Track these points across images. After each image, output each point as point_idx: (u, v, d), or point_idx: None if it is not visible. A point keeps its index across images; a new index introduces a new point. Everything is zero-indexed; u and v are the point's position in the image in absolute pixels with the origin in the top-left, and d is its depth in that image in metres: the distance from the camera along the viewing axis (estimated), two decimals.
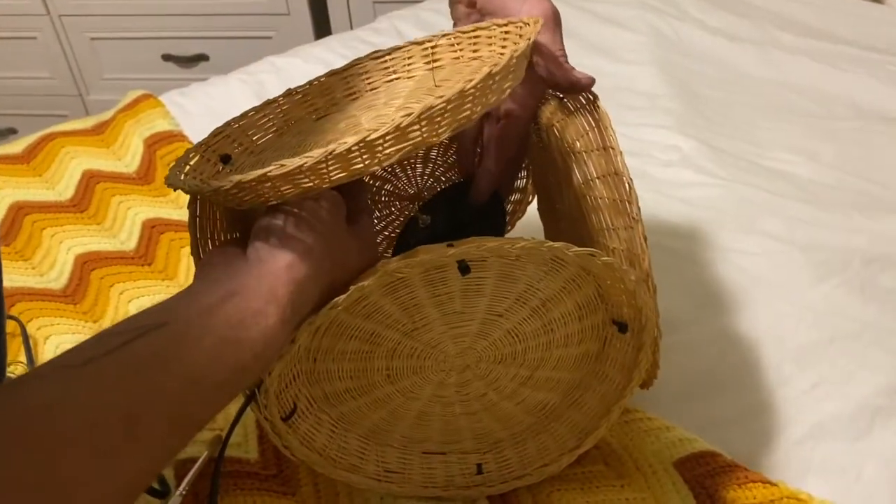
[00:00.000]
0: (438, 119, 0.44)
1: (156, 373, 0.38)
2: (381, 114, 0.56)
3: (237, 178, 0.42)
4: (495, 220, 0.66)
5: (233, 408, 0.49)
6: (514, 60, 0.47)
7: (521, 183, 0.73)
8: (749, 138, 1.02)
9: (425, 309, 0.50)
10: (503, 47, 0.56)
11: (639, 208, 0.53)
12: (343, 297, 0.46)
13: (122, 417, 0.35)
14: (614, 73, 1.17)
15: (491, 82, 0.46)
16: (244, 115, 0.59)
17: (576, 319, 0.53)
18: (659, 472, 0.59)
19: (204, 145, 0.56)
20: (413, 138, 0.43)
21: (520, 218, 0.75)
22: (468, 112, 0.45)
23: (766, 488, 0.57)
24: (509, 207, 0.74)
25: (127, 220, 0.91)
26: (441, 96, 0.43)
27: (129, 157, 1.02)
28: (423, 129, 0.43)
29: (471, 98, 0.45)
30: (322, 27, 1.99)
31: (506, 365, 0.55)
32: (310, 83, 0.62)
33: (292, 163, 0.42)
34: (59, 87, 2.12)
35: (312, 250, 0.46)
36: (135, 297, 0.80)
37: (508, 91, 0.49)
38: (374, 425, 0.57)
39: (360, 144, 0.42)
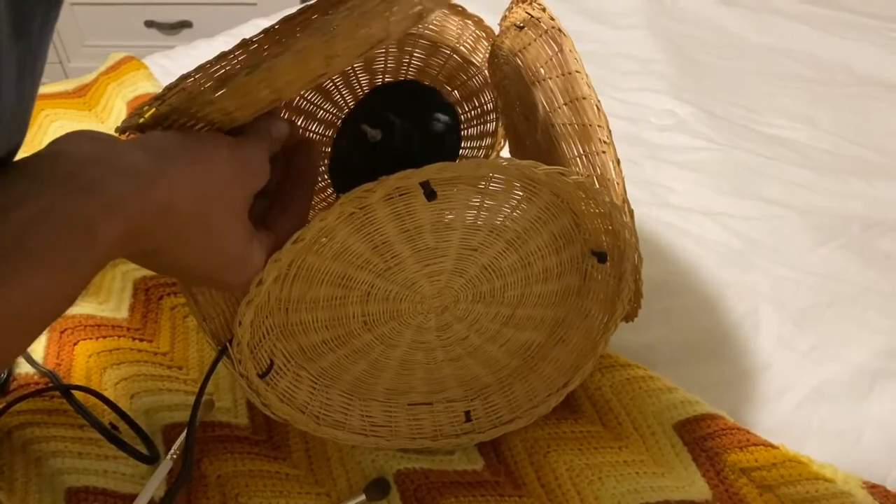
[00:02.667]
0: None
1: None
2: None
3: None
4: (451, 136, 0.61)
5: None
6: None
7: (491, 127, 0.71)
8: (745, 104, 1.00)
9: (395, 246, 0.47)
10: None
11: (609, 132, 0.50)
12: (305, 229, 0.43)
13: None
14: (608, 39, 1.15)
15: None
16: (200, 68, 0.56)
17: (553, 252, 0.51)
18: (658, 434, 0.58)
19: (160, 99, 0.53)
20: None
21: None
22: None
23: (767, 451, 0.56)
24: (481, 153, 0.71)
25: None
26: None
27: (111, 120, 0.99)
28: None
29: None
30: None
31: (485, 304, 0.53)
32: (264, 31, 0.59)
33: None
34: None
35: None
36: None
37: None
38: (356, 379, 0.56)
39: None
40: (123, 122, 0.47)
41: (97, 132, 0.38)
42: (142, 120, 0.49)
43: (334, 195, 0.68)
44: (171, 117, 0.39)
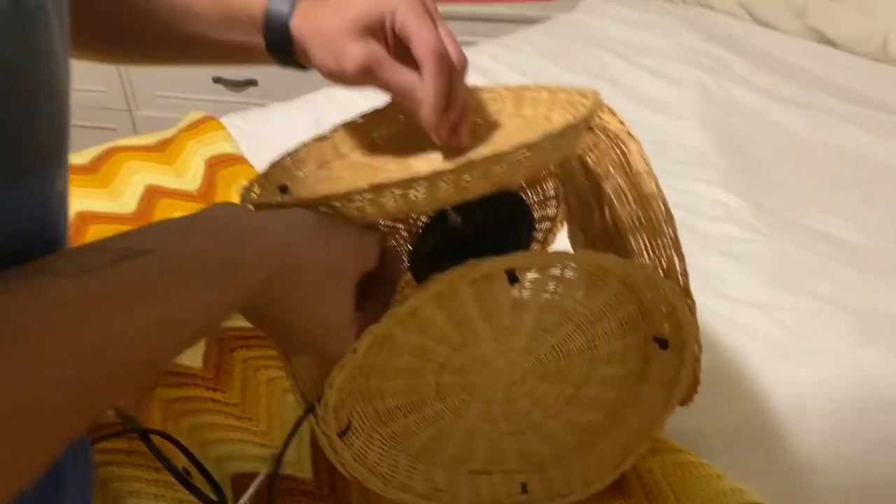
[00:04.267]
0: (521, 162, 0.46)
1: (138, 304, 0.35)
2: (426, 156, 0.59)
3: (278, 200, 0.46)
4: (527, 229, 0.66)
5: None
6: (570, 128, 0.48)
7: (551, 212, 0.75)
8: (794, 198, 1.04)
9: (474, 323, 0.51)
10: (549, 109, 0.59)
11: (675, 229, 0.54)
12: (400, 305, 0.48)
13: (92, 346, 0.33)
14: (661, 127, 1.20)
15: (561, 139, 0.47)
16: (298, 149, 0.63)
17: (618, 337, 0.55)
18: None
19: (264, 177, 0.59)
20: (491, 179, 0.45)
21: (549, 247, 0.76)
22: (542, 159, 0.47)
23: None
24: (539, 236, 0.75)
25: None
26: (521, 143, 0.44)
27: (190, 176, 1.06)
28: (505, 171, 0.45)
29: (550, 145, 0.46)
30: None
31: (551, 382, 0.56)
32: (361, 117, 0.65)
33: (321, 191, 0.44)
34: (110, 101, 2.18)
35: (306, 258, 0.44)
36: None
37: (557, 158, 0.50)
38: (423, 444, 0.59)
39: (393, 186, 0.44)
40: (258, 197, 0.54)
41: (237, 205, 0.44)
42: (254, 194, 0.54)
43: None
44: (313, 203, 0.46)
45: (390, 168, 0.61)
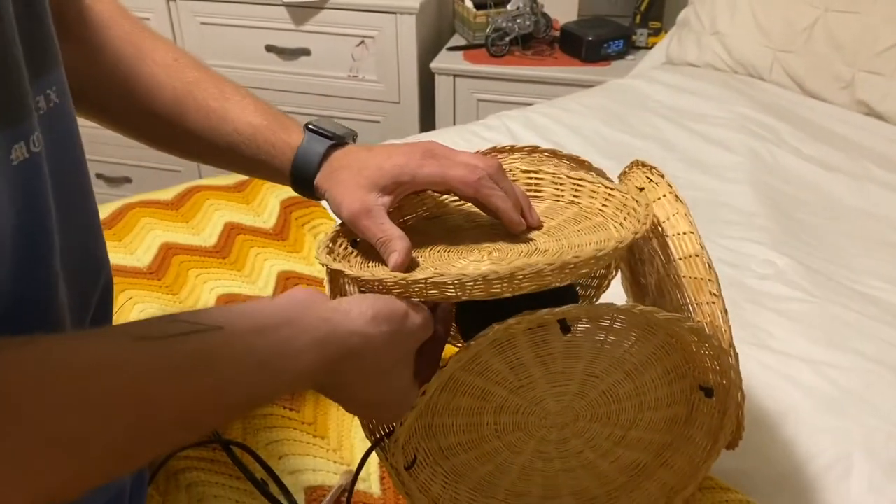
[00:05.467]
0: (571, 269, 0.52)
1: (196, 372, 0.41)
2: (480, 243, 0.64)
3: (353, 273, 0.55)
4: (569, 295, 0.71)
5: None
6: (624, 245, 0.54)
7: (602, 271, 0.80)
8: (841, 263, 1.07)
9: (530, 368, 0.56)
10: (603, 205, 0.65)
11: (719, 286, 0.59)
12: (465, 350, 0.53)
13: (147, 400, 0.38)
14: (713, 189, 1.25)
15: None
16: None
17: (665, 384, 0.59)
18: None
19: (338, 231, 0.65)
20: (545, 279, 0.52)
21: (604, 292, 0.81)
22: (586, 269, 0.54)
23: None
24: (594, 282, 0.80)
25: (264, 270, 1.01)
26: (577, 256, 0.51)
27: (266, 215, 1.13)
28: (555, 276, 0.52)
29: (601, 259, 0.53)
30: (427, 117, 2.14)
31: (601, 424, 0.60)
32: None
33: (388, 277, 0.53)
34: None
35: (378, 344, 0.50)
36: None
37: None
38: (482, 478, 0.63)
39: (479, 278, 0.50)
40: (319, 253, 0.60)
41: (313, 290, 0.51)
42: (333, 264, 0.59)
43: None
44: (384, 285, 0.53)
45: (442, 244, 0.65)
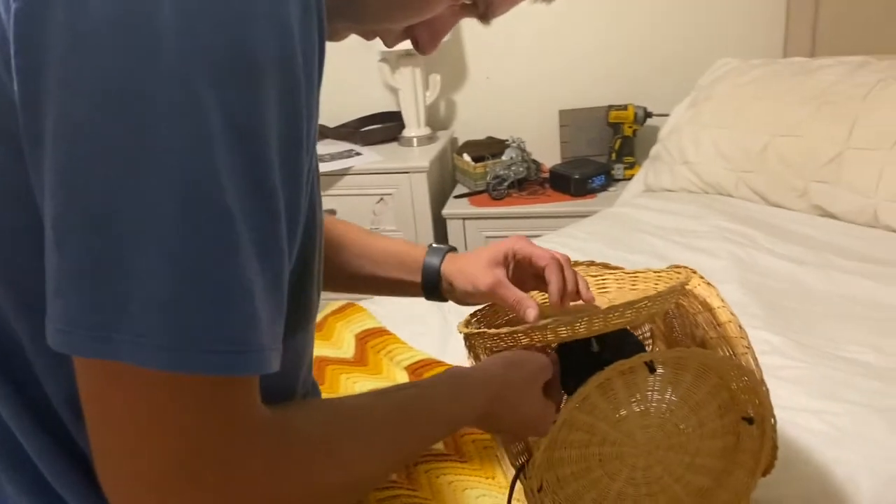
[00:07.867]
0: (644, 308, 0.75)
1: (403, 422, 0.60)
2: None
3: (493, 331, 0.77)
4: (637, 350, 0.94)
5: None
6: (671, 292, 0.78)
7: (647, 332, 1.03)
8: (823, 335, 1.31)
9: (624, 405, 0.76)
10: (655, 284, 0.90)
11: (749, 342, 0.81)
12: (585, 387, 0.74)
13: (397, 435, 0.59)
14: None
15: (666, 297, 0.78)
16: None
17: (718, 417, 0.80)
18: None
19: (464, 321, 0.89)
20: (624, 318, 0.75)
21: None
22: (653, 311, 0.77)
23: None
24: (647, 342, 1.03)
25: (355, 390, 1.22)
26: (655, 295, 0.74)
27: (345, 347, 1.35)
28: (638, 310, 0.75)
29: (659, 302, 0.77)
30: None
31: (675, 452, 0.80)
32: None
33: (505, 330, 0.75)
34: None
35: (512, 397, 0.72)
36: None
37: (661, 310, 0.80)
38: None
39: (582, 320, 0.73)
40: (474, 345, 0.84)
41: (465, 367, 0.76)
42: (471, 337, 0.83)
43: None
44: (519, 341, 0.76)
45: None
